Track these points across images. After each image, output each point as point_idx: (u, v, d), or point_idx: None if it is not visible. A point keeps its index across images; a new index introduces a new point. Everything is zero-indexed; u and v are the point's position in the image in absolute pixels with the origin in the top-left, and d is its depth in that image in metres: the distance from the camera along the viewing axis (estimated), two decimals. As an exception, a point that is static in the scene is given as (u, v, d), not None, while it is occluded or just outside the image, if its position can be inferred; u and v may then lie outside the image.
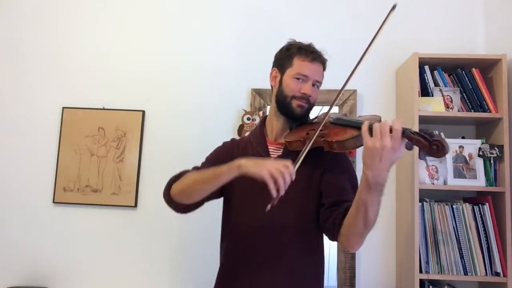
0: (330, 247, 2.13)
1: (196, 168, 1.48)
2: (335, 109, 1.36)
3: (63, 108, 2.30)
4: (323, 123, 1.27)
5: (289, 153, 1.36)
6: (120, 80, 2.33)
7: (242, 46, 2.31)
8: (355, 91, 2.20)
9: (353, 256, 2.10)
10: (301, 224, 1.36)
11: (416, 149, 1.12)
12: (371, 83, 2.24)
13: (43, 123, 2.32)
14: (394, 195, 2.17)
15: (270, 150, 1.45)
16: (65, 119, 2.29)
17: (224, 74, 2.30)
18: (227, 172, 1.24)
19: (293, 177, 1.15)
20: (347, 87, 2.12)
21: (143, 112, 2.29)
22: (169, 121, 2.29)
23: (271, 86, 1.50)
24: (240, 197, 1.43)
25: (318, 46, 1.45)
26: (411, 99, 1.98)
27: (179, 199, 1.40)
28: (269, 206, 1.14)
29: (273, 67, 1.49)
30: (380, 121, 1.13)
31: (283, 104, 1.41)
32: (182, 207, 1.43)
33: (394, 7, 1.25)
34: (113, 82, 2.33)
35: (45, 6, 2.41)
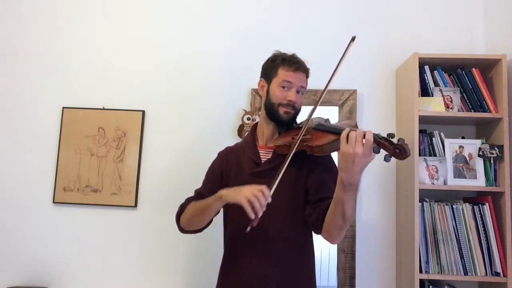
0: (330, 247, 2.14)
1: (197, 193, 1.62)
2: (319, 113, 1.49)
3: (63, 108, 2.30)
4: (304, 129, 1.40)
5: (277, 156, 1.50)
6: (120, 80, 2.33)
7: (242, 46, 2.31)
8: (355, 91, 2.20)
9: (353, 256, 2.10)
10: (291, 218, 1.49)
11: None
12: (371, 83, 2.24)
13: (43, 123, 2.32)
14: (394, 195, 2.17)
15: (261, 154, 1.57)
16: (65, 119, 2.29)
17: (224, 74, 2.30)
18: (214, 203, 1.41)
19: (269, 199, 1.27)
20: (347, 87, 2.19)
21: (143, 112, 2.29)
22: (169, 121, 2.29)
23: (260, 96, 1.63)
24: None
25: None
26: (411, 99, 1.98)
27: (189, 228, 1.57)
28: (248, 228, 1.27)
29: (260, 77, 1.61)
30: (356, 126, 1.27)
31: (271, 111, 1.54)
32: (196, 232, 1.59)
33: (353, 39, 1.40)
34: (113, 82, 2.33)
35: (45, 7, 2.41)
